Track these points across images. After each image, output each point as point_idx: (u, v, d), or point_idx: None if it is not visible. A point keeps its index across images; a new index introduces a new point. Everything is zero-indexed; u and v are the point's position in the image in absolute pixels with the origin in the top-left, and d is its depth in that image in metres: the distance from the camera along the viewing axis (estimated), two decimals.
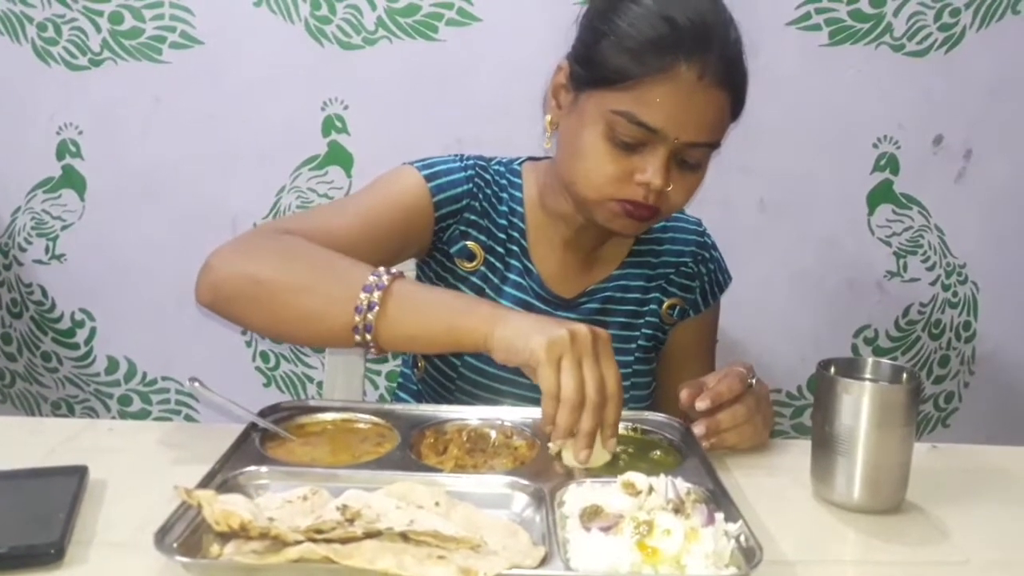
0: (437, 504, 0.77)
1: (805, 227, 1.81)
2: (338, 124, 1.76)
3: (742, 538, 0.73)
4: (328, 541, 0.67)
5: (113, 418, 1.90)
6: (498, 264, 1.17)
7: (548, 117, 1.10)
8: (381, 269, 0.92)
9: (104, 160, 1.78)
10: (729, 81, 1.01)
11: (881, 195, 1.80)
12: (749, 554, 0.71)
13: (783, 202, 1.80)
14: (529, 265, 1.17)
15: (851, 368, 0.91)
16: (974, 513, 0.88)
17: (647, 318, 1.21)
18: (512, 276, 1.17)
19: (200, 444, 0.93)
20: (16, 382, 1.92)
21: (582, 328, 0.86)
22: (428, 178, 1.12)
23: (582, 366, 0.84)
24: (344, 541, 0.67)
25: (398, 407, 1.05)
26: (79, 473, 0.84)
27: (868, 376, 0.91)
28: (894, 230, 1.82)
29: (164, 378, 1.88)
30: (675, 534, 0.70)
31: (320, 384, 1.85)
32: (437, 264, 1.18)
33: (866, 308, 1.86)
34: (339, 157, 1.77)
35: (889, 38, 1.72)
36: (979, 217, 1.83)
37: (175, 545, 0.70)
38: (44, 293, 1.86)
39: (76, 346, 1.88)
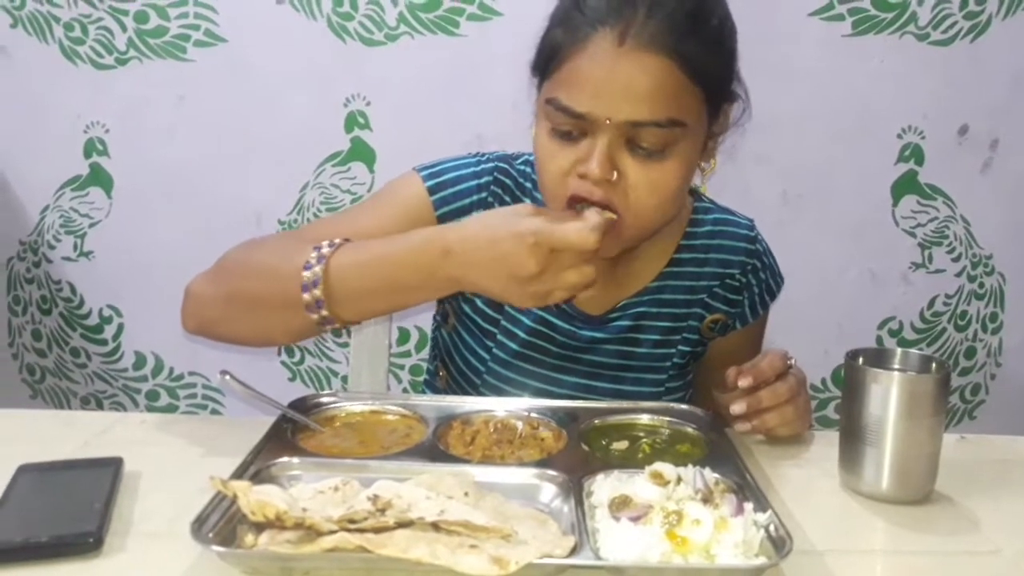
0: (466, 494, 0.78)
1: (828, 219, 1.80)
2: (360, 120, 1.77)
3: (771, 528, 0.73)
4: (361, 531, 0.68)
5: (142, 412, 1.93)
6: None
7: (532, 130, 1.01)
8: (324, 242, 0.88)
9: (130, 158, 1.81)
10: (666, 42, 0.86)
11: (906, 186, 1.79)
12: (779, 543, 0.71)
13: (806, 194, 1.79)
14: None
15: (879, 358, 0.91)
16: (1004, 503, 0.87)
17: (684, 334, 1.11)
18: None
19: (230, 436, 0.94)
20: (46, 377, 1.95)
21: (537, 251, 0.81)
22: (432, 189, 1.04)
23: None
24: (377, 531, 0.68)
25: (425, 399, 1.05)
26: (115, 464, 0.86)
27: (897, 366, 0.91)
28: (919, 221, 1.81)
29: (191, 373, 1.90)
30: (705, 524, 0.70)
31: (345, 378, 1.86)
32: None
33: (891, 300, 1.85)
34: (362, 153, 1.78)
35: (914, 27, 1.71)
36: (1005, 207, 1.81)
37: (211, 535, 0.71)
38: (73, 290, 1.89)
39: (104, 342, 1.91)
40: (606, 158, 0.88)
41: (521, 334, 1.09)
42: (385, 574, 0.69)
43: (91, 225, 1.84)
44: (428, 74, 1.73)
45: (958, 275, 1.84)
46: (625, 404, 1.06)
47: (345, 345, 1.85)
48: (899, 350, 0.92)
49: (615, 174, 0.89)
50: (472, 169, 1.06)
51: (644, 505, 0.74)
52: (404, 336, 1.88)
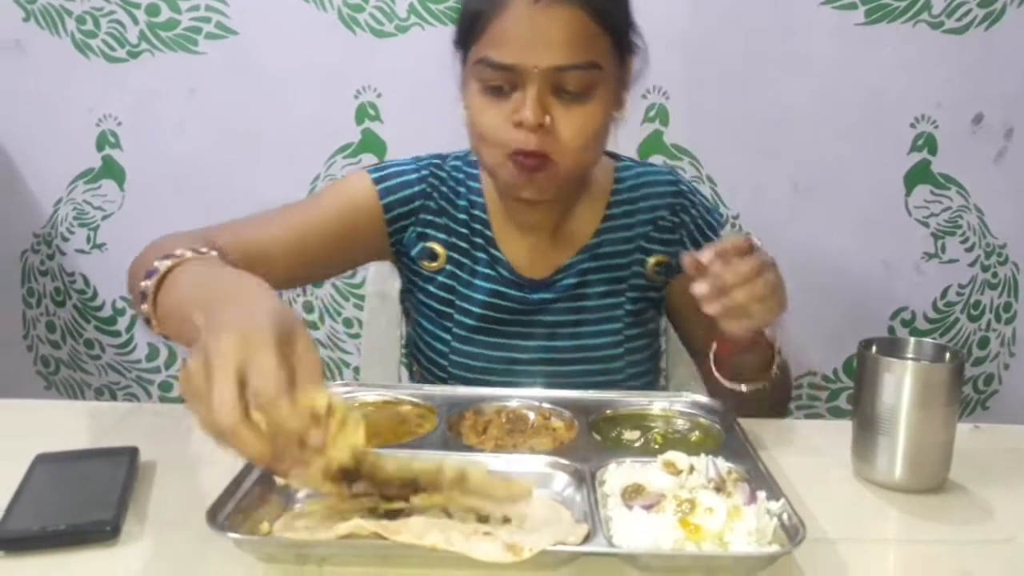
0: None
1: (841, 209, 1.79)
2: (371, 112, 1.77)
3: (784, 516, 0.73)
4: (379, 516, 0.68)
5: (155, 403, 1.94)
6: (464, 260, 1.15)
7: (462, 104, 1.08)
8: (179, 252, 0.85)
9: (142, 150, 1.82)
10: None
11: (919, 175, 1.78)
12: (792, 532, 0.71)
13: (818, 184, 1.78)
14: (497, 253, 1.15)
15: (893, 347, 0.91)
16: (1018, 492, 0.87)
17: (631, 281, 1.17)
18: (480, 268, 1.15)
19: None
20: (61, 369, 1.97)
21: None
22: (377, 181, 1.13)
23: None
24: (392, 516, 0.69)
25: (437, 389, 1.06)
26: (130, 454, 0.87)
27: (910, 355, 0.90)
28: (932, 211, 1.80)
29: None
30: (718, 512, 0.71)
31: (357, 369, 1.87)
32: (404, 267, 1.20)
33: (903, 290, 1.84)
34: (373, 145, 1.79)
35: (927, 15, 1.69)
36: (1019, 197, 1.80)
37: (226, 523, 0.71)
38: (86, 282, 1.90)
39: (118, 333, 1.92)
40: (537, 104, 0.97)
41: (476, 309, 1.14)
42: (400, 560, 0.69)
43: (104, 218, 1.85)
44: (438, 65, 1.72)
45: (971, 265, 1.83)
46: (637, 394, 1.06)
47: (357, 336, 1.86)
48: (912, 339, 0.92)
49: (547, 119, 0.97)
50: (412, 166, 1.16)
51: (657, 493, 0.75)
52: None
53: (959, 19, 1.69)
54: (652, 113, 1.75)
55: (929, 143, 1.76)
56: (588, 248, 1.16)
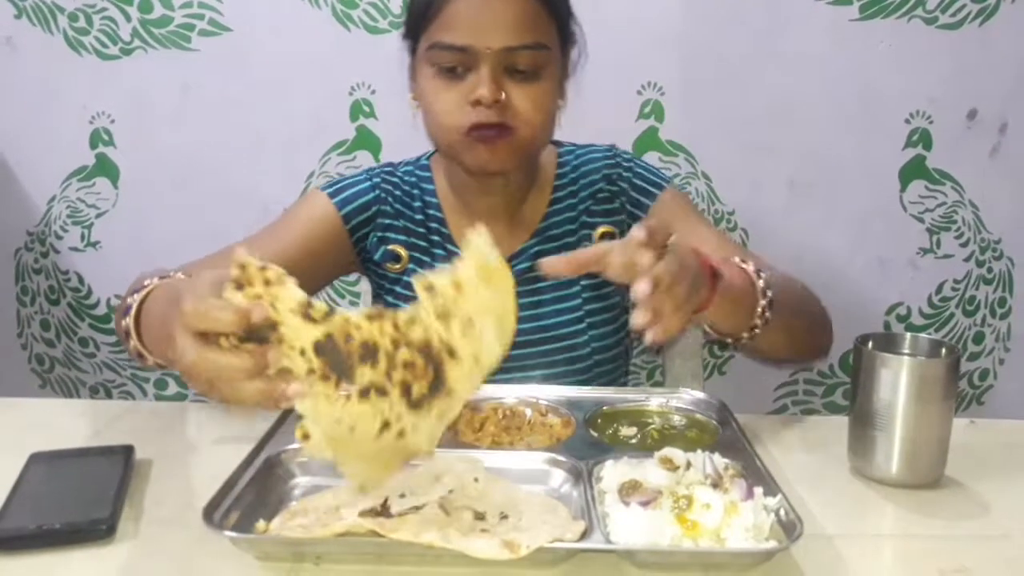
0: (476, 480, 0.78)
1: (837, 205, 1.79)
2: (366, 109, 1.76)
3: (781, 512, 0.73)
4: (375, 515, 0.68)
5: (151, 401, 1.94)
6: (425, 258, 1.19)
7: (410, 96, 1.13)
8: (148, 282, 0.90)
9: (136, 148, 1.81)
10: None
11: (914, 171, 1.78)
12: (789, 528, 0.71)
13: (813, 180, 1.78)
14: (453, 249, 1.18)
15: (889, 343, 0.91)
16: (1014, 487, 0.87)
17: None
18: (439, 264, 1.15)
19: (240, 424, 0.95)
20: (55, 367, 1.96)
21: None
22: (332, 195, 1.17)
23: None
24: (387, 514, 0.68)
25: None
26: (126, 453, 0.86)
27: (906, 351, 0.91)
28: (927, 206, 1.80)
29: None
30: (715, 508, 0.71)
31: None
32: (372, 273, 1.23)
33: (898, 285, 1.84)
34: (367, 142, 1.78)
35: (922, 11, 1.69)
36: (1014, 192, 1.80)
37: (223, 521, 0.71)
38: (80, 280, 1.89)
39: (112, 331, 1.92)
40: (493, 81, 1.01)
41: None
42: (397, 558, 0.69)
43: (98, 216, 1.85)
44: None
45: (966, 260, 1.83)
46: (634, 391, 1.06)
47: None
48: (908, 335, 0.92)
49: (503, 95, 1.02)
50: (364, 176, 1.21)
51: (654, 490, 0.75)
52: None
53: (953, 15, 1.69)
54: (647, 109, 1.74)
55: (924, 138, 1.76)
56: (538, 232, 1.19)
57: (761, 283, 0.93)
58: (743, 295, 0.91)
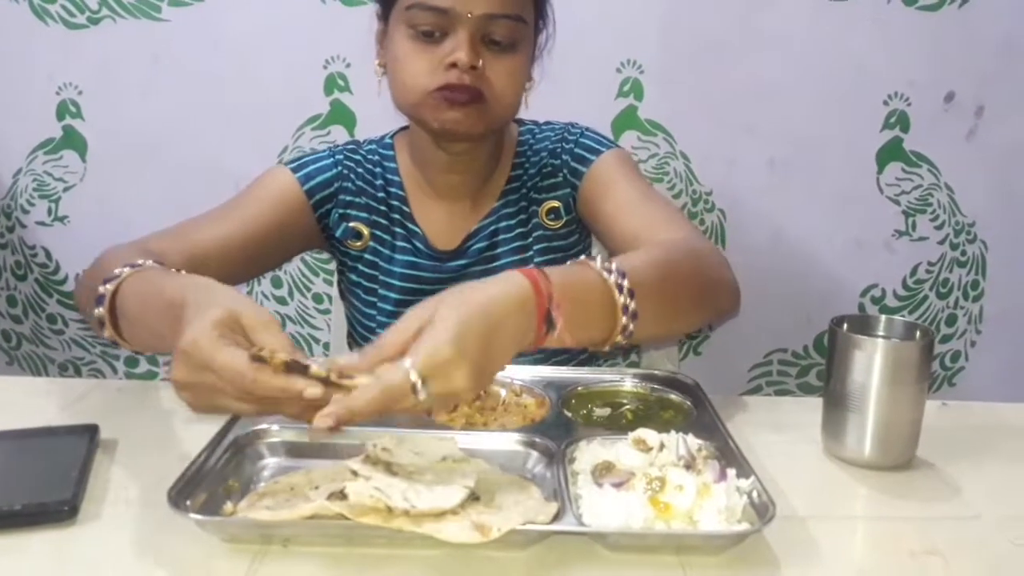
0: (444, 459, 0.77)
1: (815, 186, 1.79)
2: (340, 83, 1.73)
3: (754, 494, 0.73)
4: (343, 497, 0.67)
5: (120, 379, 1.91)
6: (386, 236, 1.18)
7: (376, 62, 1.13)
8: (117, 271, 0.84)
9: (104, 120, 1.76)
10: None
11: (891, 153, 1.78)
12: (761, 510, 0.71)
13: (792, 161, 1.78)
14: (413, 227, 1.18)
15: (863, 325, 0.91)
16: (985, 469, 0.88)
17: (535, 234, 1.18)
18: (399, 243, 1.18)
19: None
20: (23, 344, 1.92)
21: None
22: (295, 170, 1.16)
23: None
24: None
25: None
26: (90, 432, 0.85)
27: (881, 333, 0.91)
28: (903, 188, 1.80)
29: None
30: (687, 490, 0.70)
31: (327, 345, 1.85)
32: (334, 250, 1.22)
33: (874, 267, 1.85)
34: (342, 116, 1.75)
35: None
36: (989, 175, 1.81)
37: (188, 503, 0.70)
38: (48, 255, 1.85)
39: None
40: (472, 47, 1.00)
41: (396, 283, 1.18)
42: (366, 540, 0.68)
43: (65, 189, 1.80)
44: None
45: (941, 243, 1.84)
46: (609, 371, 1.05)
47: (327, 312, 1.84)
48: (883, 317, 0.92)
49: (480, 62, 1.01)
50: (327, 152, 1.20)
51: (627, 471, 0.74)
52: None
53: None
54: (626, 88, 1.73)
55: (901, 120, 1.76)
56: (494, 211, 1.18)
57: (613, 278, 0.80)
58: (591, 305, 0.79)
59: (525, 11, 1.05)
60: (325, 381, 0.66)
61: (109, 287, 0.83)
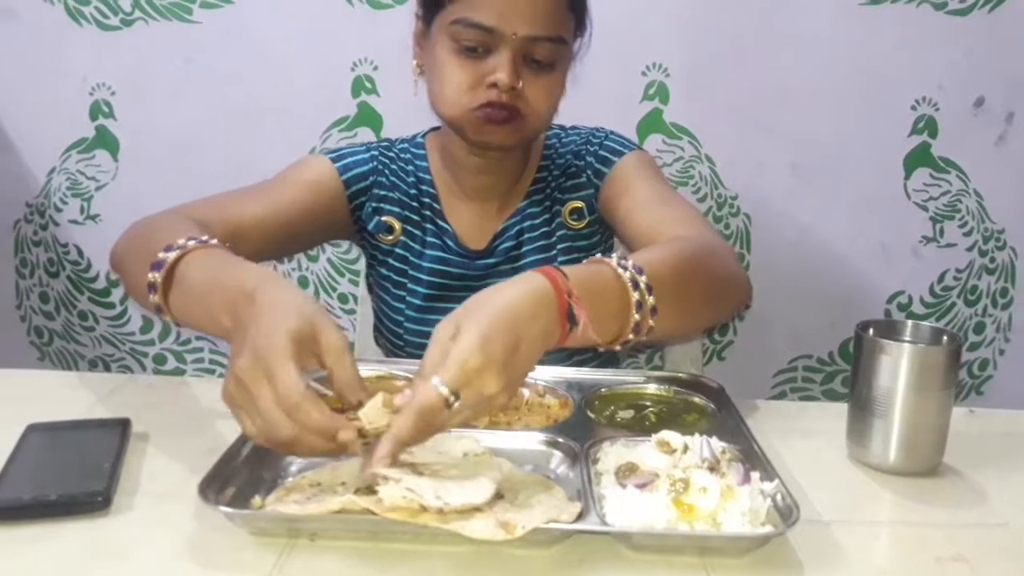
0: (465, 455, 0.78)
1: (840, 191, 1.78)
2: (368, 85, 1.75)
3: (778, 497, 0.73)
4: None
5: (149, 375, 1.93)
6: (416, 231, 1.21)
7: (414, 62, 1.14)
8: (181, 241, 0.83)
9: (136, 120, 1.79)
10: None
11: (919, 158, 1.77)
12: (785, 513, 0.71)
13: (817, 165, 1.77)
14: (444, 225, 1.20)
15: (890, 330, 0.90)
16: (1012, 477, 0.87)
17: (559, 233, 1.20)
18: (429, 239, 1.20)
19: None
20: (54, 340, 1.96)
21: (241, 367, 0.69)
22: (335, 160, 1.19)
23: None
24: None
25: None
26: (122, 425, 0.86)
27: (907, 338, 0.90)
28: (931, 194, 1.79)
29: (198, 337, 1.90)
30: (711, 492, 0.70)
31: (352, 345, 1.86)
32: (366, 243, 1.24)
33: (900, 273, 1.83)
34: (369, 118, 1.77)
35: None
36: (1019, 181, 1.78)
37: (218, 496, 0.71)
38: (80, 253, 1.89)
39: (112, 305, 1.91)
40: (513, 67, 1.02)
41: (425, 278, 1.19)
42: (392, 536, 0.69)
43: (97, 188, 1.84)
44: None
45: (969, 249, 1.83)
46: (632, 373, 1.06)
47: (352, 312, 1.85)
48: (910, 322, 0.92)
49: (520, 83, 1.03)
50: (362, 148, 1.23)
51: (651, 472, 0.74)
52: None
53: (962, 0, 1.68)
54: (652, 91, 1.73)
55: (930, 126, 1.75)
56: (519, 211, 1.21)
57: (628, 274, 0.80)
58: (609, 301, 0.79)
59: (565, 31, 1.06)
60: (360, 432, 0.68)
61: (171, 255, 0.81)
